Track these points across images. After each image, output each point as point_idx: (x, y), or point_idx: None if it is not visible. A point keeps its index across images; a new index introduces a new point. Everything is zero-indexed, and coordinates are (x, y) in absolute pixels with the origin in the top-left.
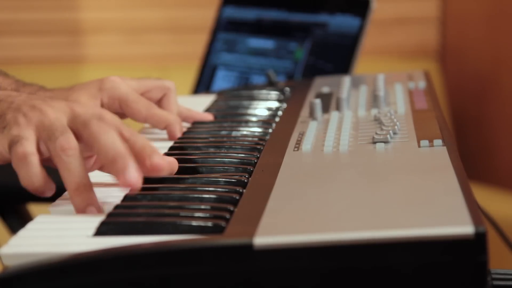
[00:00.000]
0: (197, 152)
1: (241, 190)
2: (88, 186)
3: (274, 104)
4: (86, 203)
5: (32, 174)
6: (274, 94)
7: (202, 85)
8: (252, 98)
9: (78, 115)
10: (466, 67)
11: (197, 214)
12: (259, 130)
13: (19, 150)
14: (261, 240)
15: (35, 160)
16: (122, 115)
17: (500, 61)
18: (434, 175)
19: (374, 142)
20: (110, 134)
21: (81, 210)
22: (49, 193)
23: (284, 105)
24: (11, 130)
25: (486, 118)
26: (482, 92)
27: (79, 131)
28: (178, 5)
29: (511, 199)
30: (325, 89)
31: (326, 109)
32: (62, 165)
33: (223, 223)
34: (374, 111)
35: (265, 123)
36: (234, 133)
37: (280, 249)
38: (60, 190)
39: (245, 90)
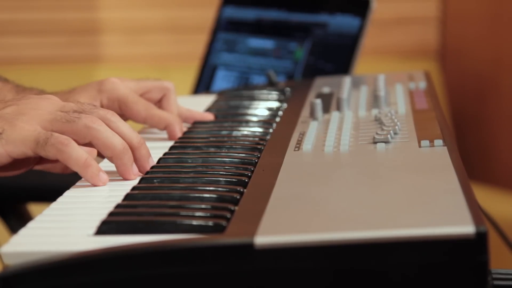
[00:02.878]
0: (197, 151)
1: (242, 190)
2: (127, 148)
3: (275, 104)
4: (131, 162)
5: (82, 153)
6: (274, 94)
7: (202, 85)
8: (253, 98)
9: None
10: (466, 67)
11: (198, 214)
12: (260, 130)
13: (60, 138)
14: (262, 239)
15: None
16: (121, 116)
17: (500, 61)
18: (434, 175)
19: (375, 142)
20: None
21: (128, 168)
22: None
23: (285, 105)
24: (14, 134)
25: (486, 118)
26: (482, 92)
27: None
28: (178, 5)
29: (511, 199)
30: (326, 89)
31: (326, 109)
32: (115, 130)
33: (224, 223)
34: (374, 111)
35: (266, 123)
36: (234, 133)
37: (281, 249)
38: (60, 190)
39: (245, 90)
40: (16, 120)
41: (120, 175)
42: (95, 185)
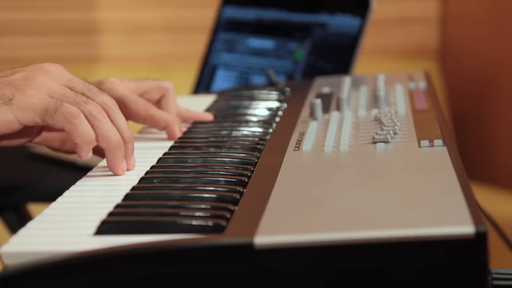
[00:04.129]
0: (197, 151)
1: (241, 190)
2: (122, 143)
3: (275, 104)
4: (123, 157)
5: (88, 128)
6: (274, 94)
7: (202, 85)
8: (253, 98)
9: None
10: (466, 67)
11: (197, 214)
12: (260, 130)
13: (71, 109)
14: (261, 239)
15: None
16: None
17: (500, 61)
18: (434, 175)
19: (375, 142)
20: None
21: (119, 163)
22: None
23: (285, 105)
24: (24, 100)
25: (486, 118)
26: (482, 92)
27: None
28: (178, 5)
29: (511, 199)
30: (326, 89)
31: (326, 109)
32: (112, 118)
33: (223, 223)
34: (374, 111)
35: (266, 123)
36: (234, 133)
37: (280, 249)
38: (60, 190)
39: (245, 90)
40: (25, 87)
41: (109, 167)
42: (81, 158)
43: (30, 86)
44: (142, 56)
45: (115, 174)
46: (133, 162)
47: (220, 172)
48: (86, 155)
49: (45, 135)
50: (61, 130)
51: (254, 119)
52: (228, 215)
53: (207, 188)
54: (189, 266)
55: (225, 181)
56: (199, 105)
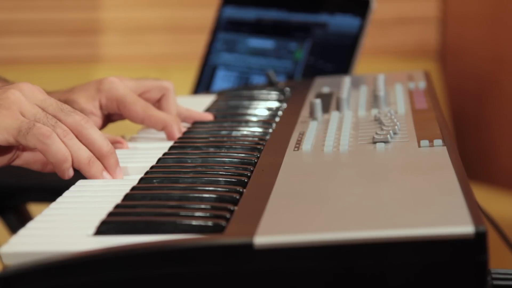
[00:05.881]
0: (197, 151)
1: (241, 190)
2: (93, 160)
3: (274, 104)
4: (100, 171)
5: (62, 147)
6: (274, 94)
7: (202, 85)
8: (252, 98)
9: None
10: (466, 67)
11: (197, 214)
12: (260, 130)
13: (43, 129)
14: (261, 239)
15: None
16: (120, 116)
17: (500, 61)
18: (434, 175)
19: (374, 142)
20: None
21: (100, 175)
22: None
23: (284, 105)
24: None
25: (486, 118)
26: (482, 92)
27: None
28: (178, 5)
29: (511, 199)
30: (325, 89)
31: (326, 109)
32: (86, 136)
33: (223, 223)
34: (374, 111)
35: (266, 123)
36: (234, 133)
37: (280, 249)
38: (60, 190)
39: (245, 90)
40: None
41: None
42: (63, 178)
43: (3, 105)
44: (142, 56)
45: None
46: (119, 174)
47: (220, 172)
48: (67, 174)
49: (26, 157)
50: (36, 150)
51: (254, 119)
52: (227, 215)
53: (207, 188)
54: (189, 266)
55: (225, 181)
56: (199, 105)
